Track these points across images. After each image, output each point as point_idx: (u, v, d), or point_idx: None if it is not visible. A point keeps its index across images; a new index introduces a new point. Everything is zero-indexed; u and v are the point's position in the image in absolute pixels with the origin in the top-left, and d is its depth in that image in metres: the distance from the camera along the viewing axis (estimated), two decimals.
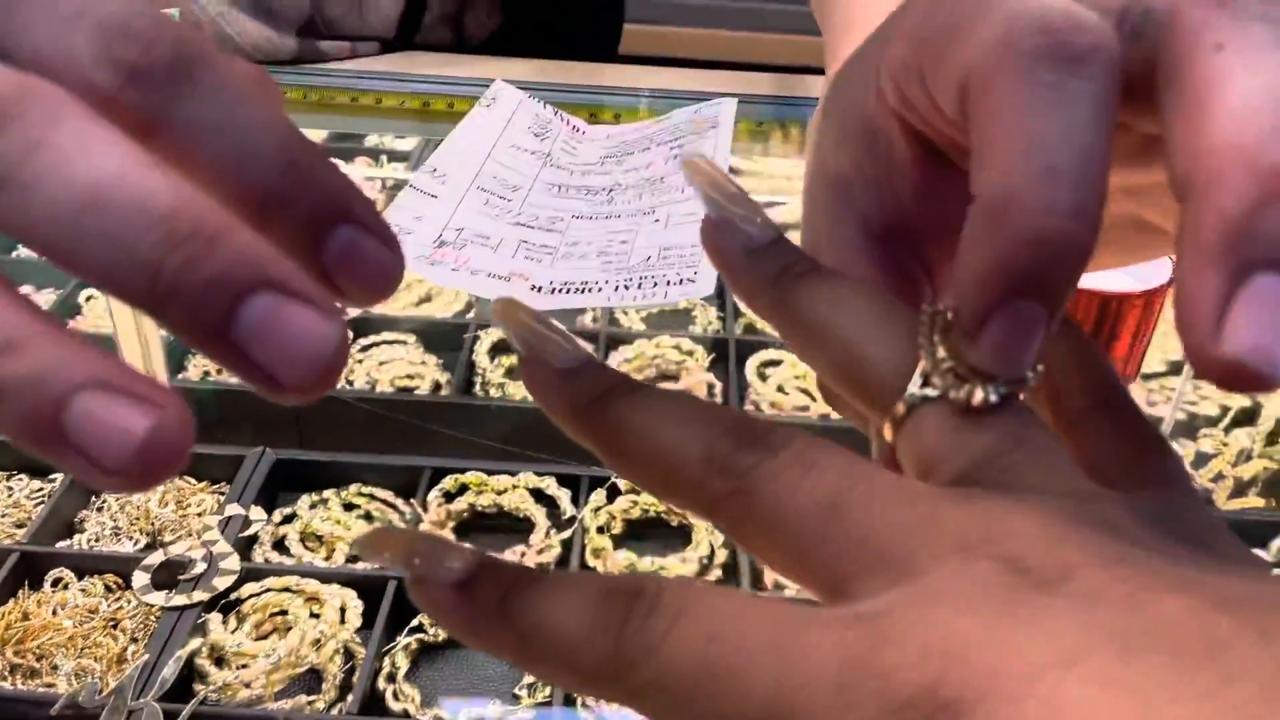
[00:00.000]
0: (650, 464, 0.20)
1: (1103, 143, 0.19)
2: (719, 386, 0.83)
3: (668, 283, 0.44)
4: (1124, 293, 0.39)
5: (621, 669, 0.18)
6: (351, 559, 0.68)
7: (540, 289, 0.43)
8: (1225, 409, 0.76)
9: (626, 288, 0.44)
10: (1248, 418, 0.72)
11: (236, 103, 0.19)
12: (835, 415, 0.83)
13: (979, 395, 0.19)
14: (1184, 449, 0.74)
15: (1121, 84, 0.20)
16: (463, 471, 0.72)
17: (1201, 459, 0.71)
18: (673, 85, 0.61)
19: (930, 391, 0.20)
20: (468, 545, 0.21)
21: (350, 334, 0.83)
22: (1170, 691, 0.14)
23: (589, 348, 0.84)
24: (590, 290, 0.43)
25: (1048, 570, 0.17)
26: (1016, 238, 0.18)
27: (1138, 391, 0.83)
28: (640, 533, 0.71)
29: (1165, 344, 0.87)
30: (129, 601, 0.63)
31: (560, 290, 0.43)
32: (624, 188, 0.52)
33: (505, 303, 0.23)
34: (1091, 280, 0.40)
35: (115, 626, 0.62)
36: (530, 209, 0.49)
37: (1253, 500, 0.64)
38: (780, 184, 1.07)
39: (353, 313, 0.85)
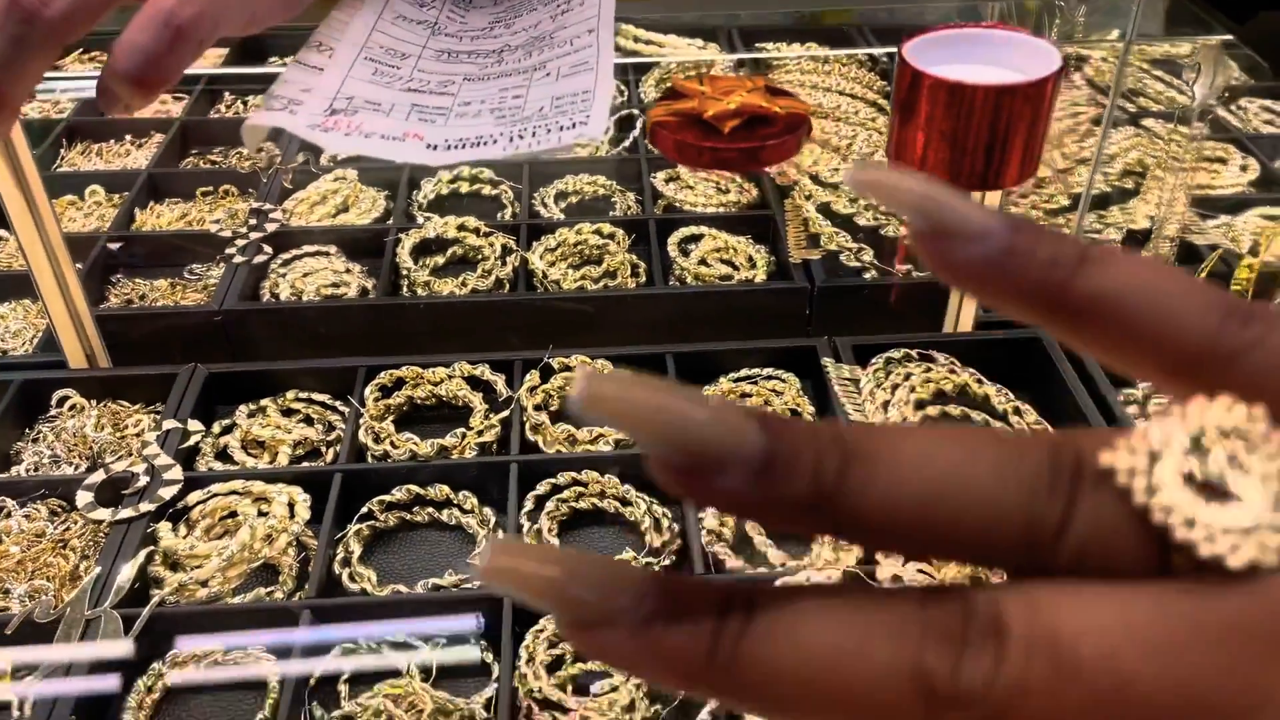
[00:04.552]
0: (834, 703, 0.15)
1: None
2: (643, 266, 0.85)
3: (560, 128, 0.44)
4: (1011, 85, 0.40)
5: None
6: (296, 460, 0.68)
7: (435, 147, 0.43)
8: (1129, 231, 0.79)
9: (521, 137, 0.44)
10: (1144, 238, 0.75)
11: None
12: (759, 279, 0.84)
13: None
14: None
15: None
16: (397, 367, 0.72)
17: None
18: None
19: None
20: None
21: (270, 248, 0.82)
22: None
23: (510, 241, 0.85)
24: (485, 143, 0.44)
25: None
26: None
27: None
28: None
29: (1069, 179, 0.90)
30: (76, 522, 0.64)
31: (455, 146, 0.43)
32: (513, 48, 0.52)
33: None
34: (978, 75, 0.41)
35: (65, 546, 0.63)
36: (420, 75, 0.49)
37: None
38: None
39: (269, 227, 0.85)
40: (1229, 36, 0.54)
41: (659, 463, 0.16)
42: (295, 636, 0.57)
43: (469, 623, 0.58)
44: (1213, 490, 0.15)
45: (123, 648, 0.56)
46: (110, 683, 0.56)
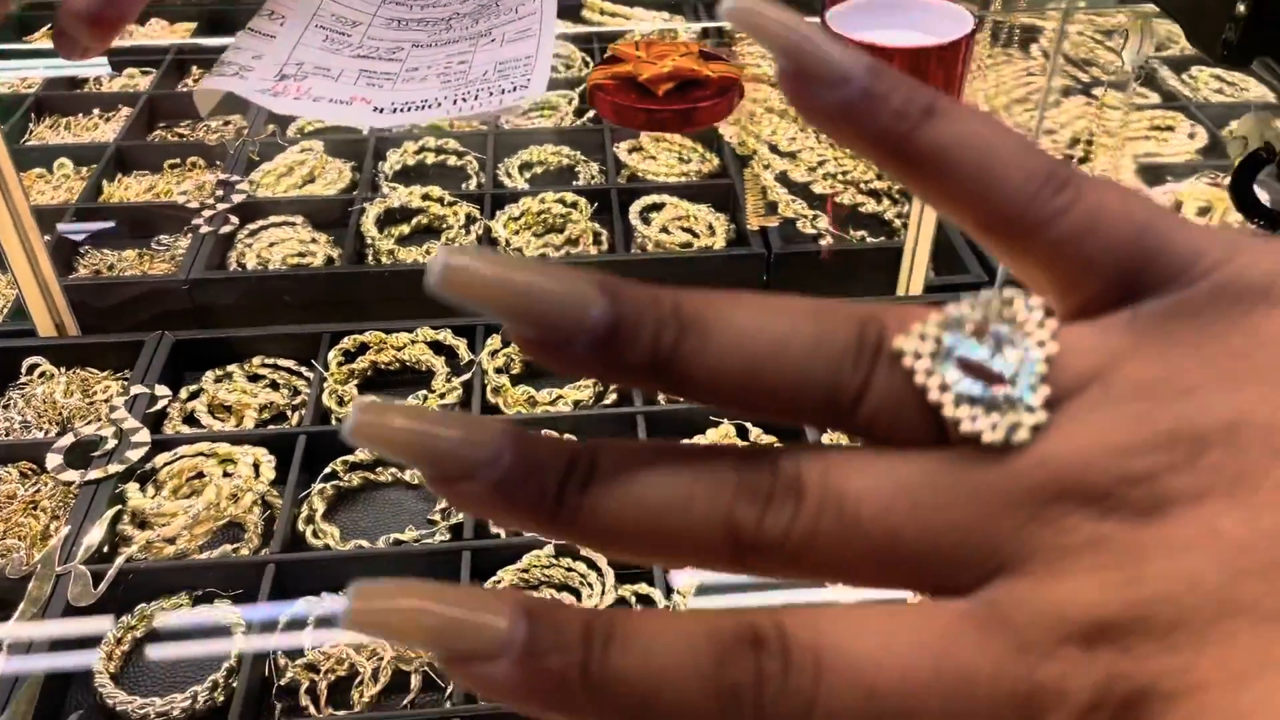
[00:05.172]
0: (659, 547, 0.18)
1: None
2: (605, 234, 0.86)
3: (503, 91, 0.46)
4: (928, 47, 0.42)
5: None
6: (262, 424, 0.70)
7: (381, 110, 0.45)
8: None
9: (465, 100, 0.46)
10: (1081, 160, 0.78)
11: None
12: (718, 247, 0.86)
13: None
14: None
15: None
16: (360, 332, 0.74)
17: None
18: None
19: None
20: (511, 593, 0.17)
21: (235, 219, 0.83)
22: None
23: (475, 210, 0.86)
24: (430, 106, 0.45)
25: (1139, 496, 0.16)
26: None
27: None
28: (538, 370, 0.75)
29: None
30: (46, 484, 0.65)
31: (401, 109, 0.45)
32: (461, 16, 0.54)
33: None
34: (892, 39, 0.43)
35: (35, 508, 0.64)
36: (370, 42, 0.51)
37: None
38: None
39: (236, 198, 0.86)
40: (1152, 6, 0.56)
41: (513, 334, 0.17)
42: (260, 591, 0.59)
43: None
44: (983, 373, 0.17)
45: (91, 602, 0.58)
46: (80, 637, 0.58)
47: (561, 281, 0.17)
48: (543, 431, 0.62)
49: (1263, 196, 0.53)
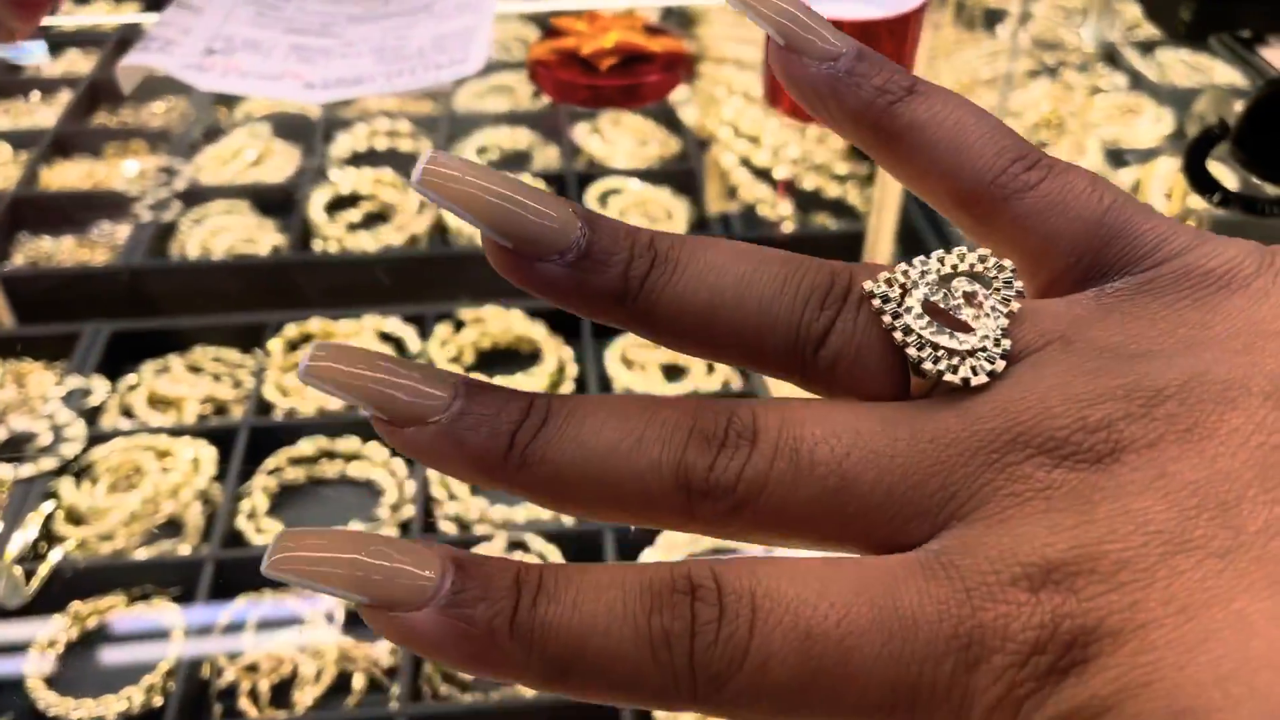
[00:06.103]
0: (608, 496, 0.17)
1: None
2: None
3: (439, 66, 0.44)
4: (877, 19, 0.40)
5: (703, 689, 0.15)
6: (203, 416, 0.68)
7: (314, 86, 0.43)
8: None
9: (400, 75, 0.44)
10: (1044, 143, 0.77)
11: None
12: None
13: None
14: None
15: None
16: (304, 320, 0.72)
17: None
18: None
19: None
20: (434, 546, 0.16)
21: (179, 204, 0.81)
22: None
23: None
24: (364, 82, 0.43)
25: (1094, 443, 0.16)
26: None
27: None
28: (491, 359, 0.73)
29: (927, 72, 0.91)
30: None
31: (334, 85, 0.43)
32: None
33: None
34: (843, 10, 0.41)
35: None
36: (303, 16, 0.49)
37: None
38: None
39: (179, 184, 0.84)
40: None
41: (490, 244, 0.17)
42: (200, 590, 0.57)
43: None
44: (949, 319, 0.17)
45: (23, 603, 0.56)
46: (11, 639, 0.55)
47: (544, 200, 0.17)
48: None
49: (1229, 183, 0.52)
